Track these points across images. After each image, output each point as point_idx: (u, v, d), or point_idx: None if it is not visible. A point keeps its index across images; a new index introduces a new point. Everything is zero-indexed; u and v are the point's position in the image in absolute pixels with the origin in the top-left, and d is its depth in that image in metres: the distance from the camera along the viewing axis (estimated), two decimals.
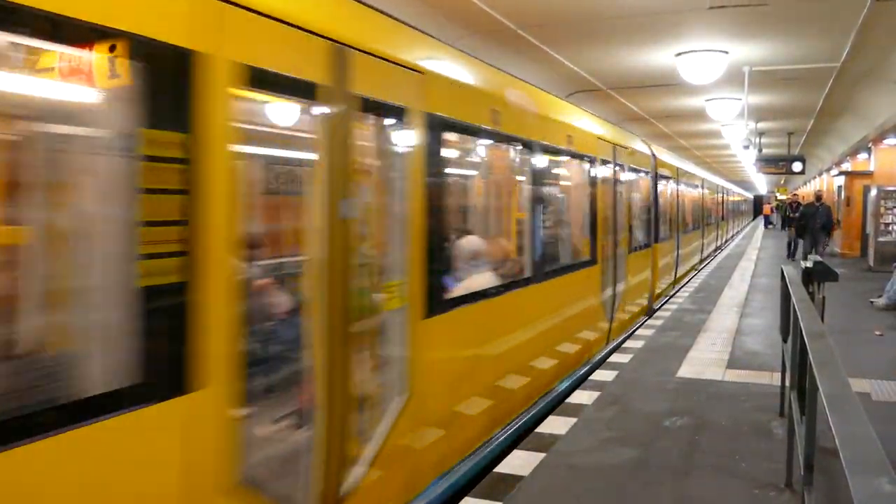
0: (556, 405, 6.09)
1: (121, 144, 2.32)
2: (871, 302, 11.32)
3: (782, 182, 49.60)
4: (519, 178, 6.42)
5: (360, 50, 3.43)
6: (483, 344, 5.12)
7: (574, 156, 7.45)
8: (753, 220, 62.82)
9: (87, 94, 2.54)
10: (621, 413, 5.78)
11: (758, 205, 66.37)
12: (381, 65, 3.68)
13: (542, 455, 4.79)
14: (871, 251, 17.57)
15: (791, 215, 21.33)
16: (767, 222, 45.11)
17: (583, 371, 7.30)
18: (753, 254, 22.74)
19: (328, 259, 3.20)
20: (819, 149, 26.65)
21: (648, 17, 8.54)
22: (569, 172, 7.86)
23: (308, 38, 3.12)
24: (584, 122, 8.04)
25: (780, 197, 50.09)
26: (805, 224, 18.01)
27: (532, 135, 6.08)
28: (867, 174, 19.89)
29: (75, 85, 2.48)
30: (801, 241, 19.20)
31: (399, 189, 3.91)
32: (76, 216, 2.46)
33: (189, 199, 2.47)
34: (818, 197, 18.94)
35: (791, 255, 19.97)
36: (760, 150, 21.12)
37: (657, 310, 11.32)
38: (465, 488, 4.38)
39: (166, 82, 2.42)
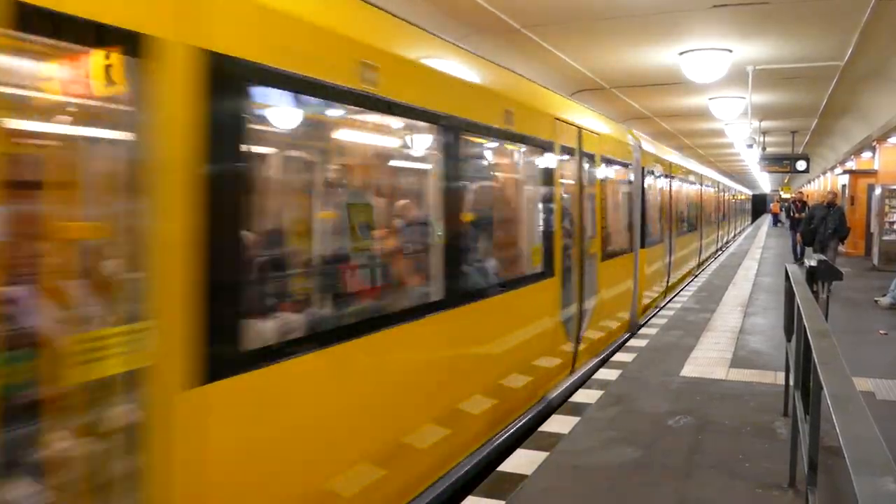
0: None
1: None
2: (876, 301, 11.29)
3: (786, 181, 49.52)
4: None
5: None
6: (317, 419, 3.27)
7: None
8: (753, 221, 53.42)
9: None
10: (624, 412, 5.77)
11: (755, 204, 65.84)
12: None
13: (544, 454, 4.78)
14: (875, 250, 17.53)
15: (796, 216, 19.50)
16: (776, 221, 44.93)
17: (526, 419, 5.62)
18: (757, 253, 22.69)
19: None
20: (823, 148, 26.61)
21: (652, 15, 8.53)
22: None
23: None
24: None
25: (783, 196, 50.00)
26: (814, 229, 14.53)
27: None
28: (871, 173, 19.85)
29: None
30: (807, 249, 16.22)
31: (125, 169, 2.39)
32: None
33: None
34: (832, 202, 14.78)
35: (797, 261, 17.37)
36: (764, 149, 21.07)
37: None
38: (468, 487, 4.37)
39: None
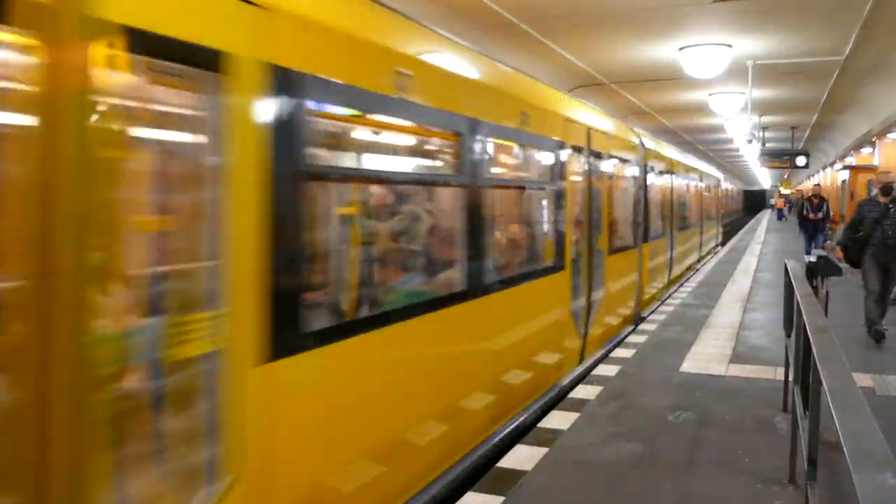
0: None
1: None
2: None
3: (786, 176, 49.57)
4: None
5: None
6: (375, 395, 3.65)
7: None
8: (726, 241, 27.22)
9: None
10: (624, 408, 5.78)
11: (748, 199, 66.01)
12: None
13: (544, 450, 4.79)
14: None
15: (812, 216, 16.17)
16: (781, 215, 45.24)
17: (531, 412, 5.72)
18: (757, 248, 22.69)
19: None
20: (823, 143, 26.60)
21: (651, 11, 8.52)
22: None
23: None
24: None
25: (783, 192, 50.08)
26: (863, 237, 8.26)
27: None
28: (871, 168, 19.83)
29: None
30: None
31: (211, 171, 2.66)
32: None
33: None
34: (887, 188, 8.31)
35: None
36: (764, 145, 21.06)
37: None
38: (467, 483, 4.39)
39: None
